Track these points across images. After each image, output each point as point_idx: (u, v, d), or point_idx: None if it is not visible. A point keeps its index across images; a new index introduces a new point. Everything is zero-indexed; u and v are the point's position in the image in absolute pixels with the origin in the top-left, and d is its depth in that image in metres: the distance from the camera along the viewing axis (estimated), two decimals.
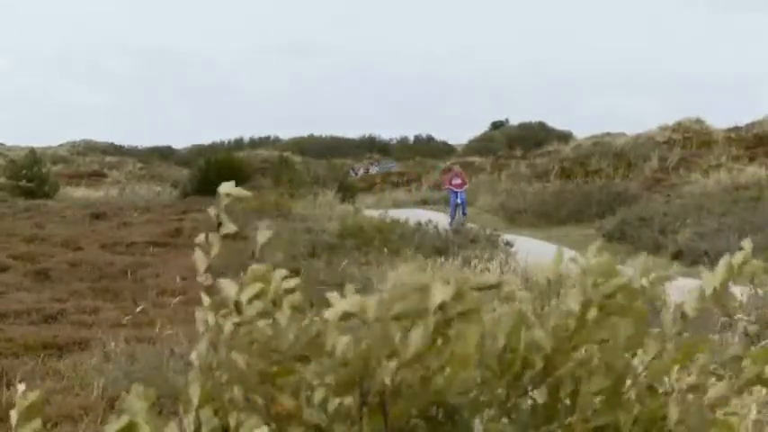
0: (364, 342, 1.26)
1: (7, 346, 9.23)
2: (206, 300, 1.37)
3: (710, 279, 1.44)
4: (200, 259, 1.43)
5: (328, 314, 1.29)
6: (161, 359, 8.09)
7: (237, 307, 1.32)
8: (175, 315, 10.35)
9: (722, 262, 1.44)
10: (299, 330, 1.28)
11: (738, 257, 1.43)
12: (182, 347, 8.33)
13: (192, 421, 1.28)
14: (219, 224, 1.44)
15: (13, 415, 1.42)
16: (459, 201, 26.78)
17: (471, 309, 1.28)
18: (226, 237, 1.43)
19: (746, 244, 1.44)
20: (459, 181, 27.08)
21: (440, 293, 1.27)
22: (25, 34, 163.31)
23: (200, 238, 1.45)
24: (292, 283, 1.36)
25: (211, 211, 1.46)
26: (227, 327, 1.30)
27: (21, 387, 1.46)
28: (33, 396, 1.42)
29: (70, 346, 9.44)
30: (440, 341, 1.28)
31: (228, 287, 1.35)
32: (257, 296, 1.33)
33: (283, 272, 1.37)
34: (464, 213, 26.61)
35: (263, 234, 1.42)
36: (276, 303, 1.33)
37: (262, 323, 1.30)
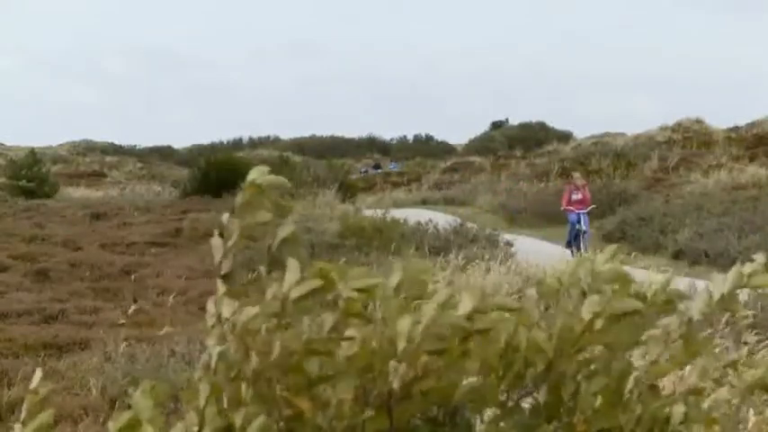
0: (374, 341, 1.26)
1: (7, 346, 9.23)
2: (222, 289, 1.31)
3: (719, 285, 1.44)
4: (216, 246, 1.34)
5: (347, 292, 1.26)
6: (161, 359, 8.09)
7: (283, 304, 1.25)
8: (175, 315, 10.36)
9: (732, 271, 1.44)
10: (315, 327, 1.26)
11: (748, 268, 1.43)
12: (182, 347, 8.33)
13: (196, 421, 1.27)
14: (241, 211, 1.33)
15: (23, 409, 1.41)
16: (582, 226, 19.08)
17: (490, 328, 1.28)
18: (247, 227, 1.32)
19: (760, 257, 1.44)
20: (579, 197, 19.62)
21: (464, 305, 1.26)
22: (26, 35, 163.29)
23: (224, 218, 1.34)
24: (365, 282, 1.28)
25: (239, 198, 1.34)
26: (243, 320, 1.26)
27: (37, 375, 1.44)
28: (45, 390, 1.41)
29: (70, 346, 9.44)
30: (455, 351, 1.27)
31: (292, 273, 1.26)
32: (312, 294, 1.26)
33: (362, 270, 1.30)
34: (584, 246, 18.43)
35: (285, 228, 1.32)
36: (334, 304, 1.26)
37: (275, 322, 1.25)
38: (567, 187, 20.66)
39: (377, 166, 53.43)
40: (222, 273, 1.31)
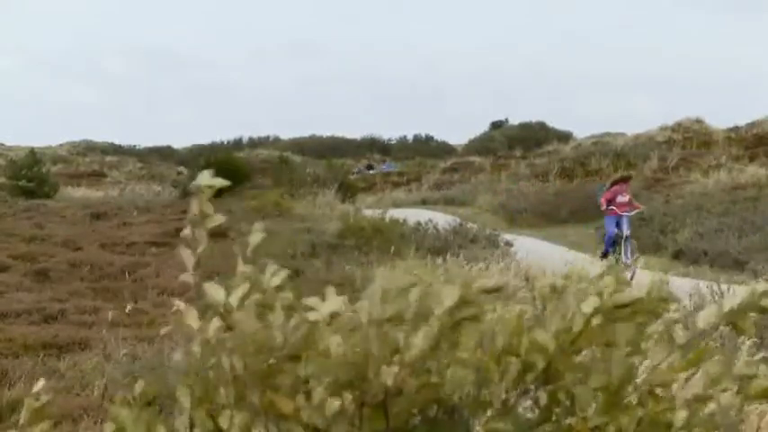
0: (360, 343, 1.26)
1: (7, 346, 9.22)
2: (189, 301, 1.33)
3: (729, 300, 1.43)
4: (186, 257, 1.36)
5: (313, 315, 1.28)
6: (161, 359, 8.09)
7: (225, 310, 1.28)
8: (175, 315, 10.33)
9: (745, 289, 1.43)
10: (291, 329, 1.27)
11: (762, 287, 1.42)
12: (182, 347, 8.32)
13: (185, 423, 1.27)
14: (205, 218, 1.36)
15: (22, 414, 1.41)
16: (622, 230, 16.50)
17: (476, 313, 1.28)
18: (215, 234, 1.36)
19: None
20: (626, 199, 16.78)
21: (448, 297, 1.26)
22: (26, 35, 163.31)
23: (185, 232, 1.37)
24: (280, 278, 1.31)
25: (194, 205, 1.36)
26: (213, 330, 1.28)
27: (40, 383, 1.44)
28: (45, 398, 1.41)
29: (70, 346, 9.43)
30: (444, 344, 1.27)
31: (214, 291, 1.31)
32: (247, 297, 1.29)
33: (273, 268, 1.32)
34: (629, 253, 16.16)
35: (256, 235, 1.35)
36: (267, 304, 1.29)
37: (250, 324, 1.27)
38: (620, 186, 17.07)
39: (369, 167, 53.38)
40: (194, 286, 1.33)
